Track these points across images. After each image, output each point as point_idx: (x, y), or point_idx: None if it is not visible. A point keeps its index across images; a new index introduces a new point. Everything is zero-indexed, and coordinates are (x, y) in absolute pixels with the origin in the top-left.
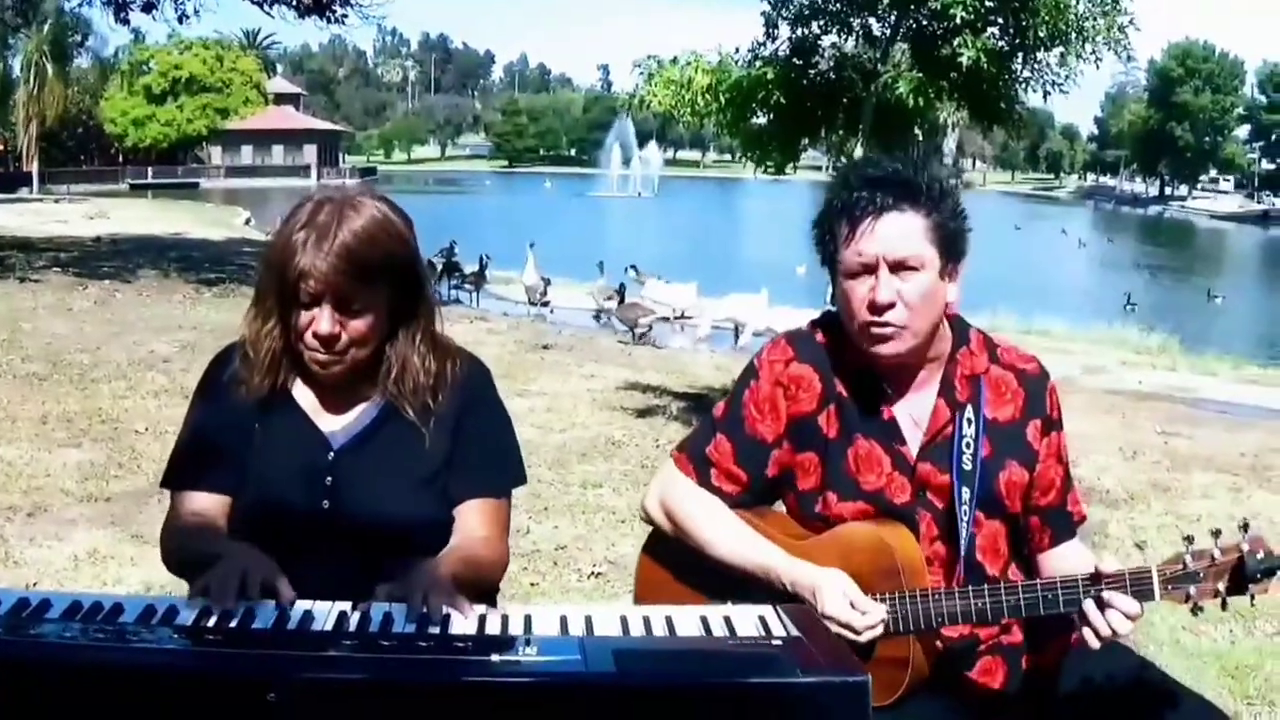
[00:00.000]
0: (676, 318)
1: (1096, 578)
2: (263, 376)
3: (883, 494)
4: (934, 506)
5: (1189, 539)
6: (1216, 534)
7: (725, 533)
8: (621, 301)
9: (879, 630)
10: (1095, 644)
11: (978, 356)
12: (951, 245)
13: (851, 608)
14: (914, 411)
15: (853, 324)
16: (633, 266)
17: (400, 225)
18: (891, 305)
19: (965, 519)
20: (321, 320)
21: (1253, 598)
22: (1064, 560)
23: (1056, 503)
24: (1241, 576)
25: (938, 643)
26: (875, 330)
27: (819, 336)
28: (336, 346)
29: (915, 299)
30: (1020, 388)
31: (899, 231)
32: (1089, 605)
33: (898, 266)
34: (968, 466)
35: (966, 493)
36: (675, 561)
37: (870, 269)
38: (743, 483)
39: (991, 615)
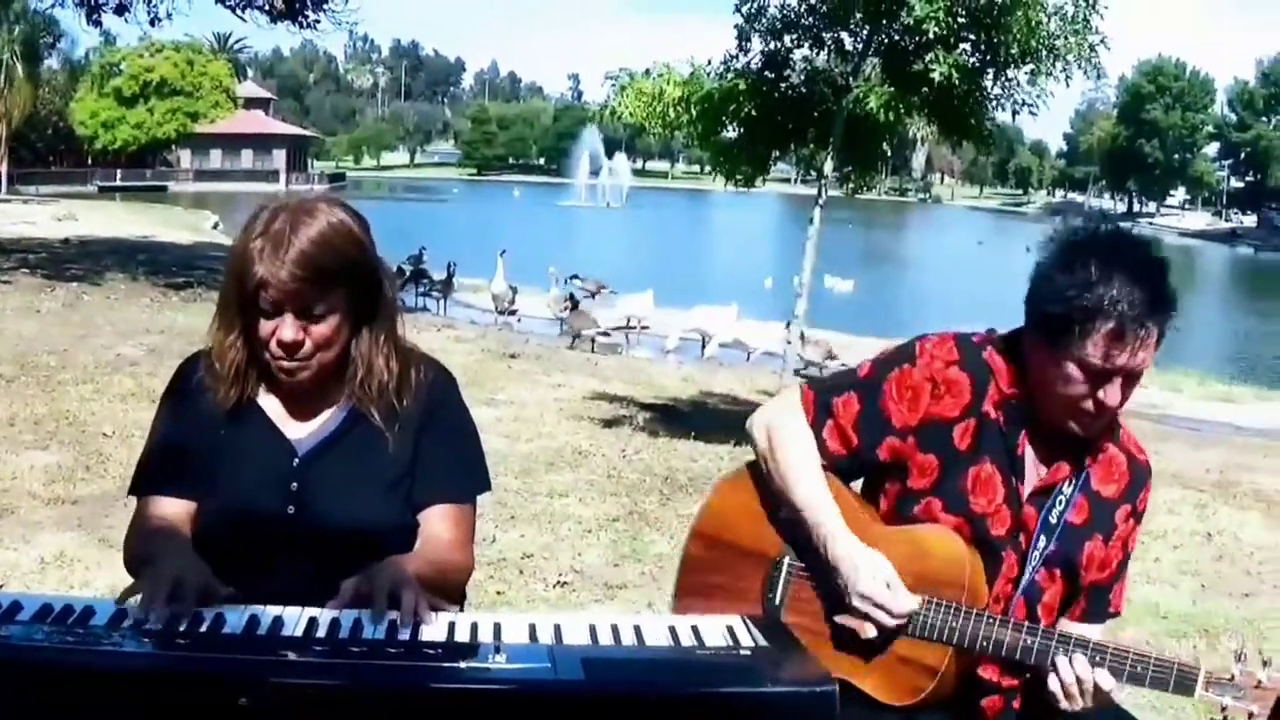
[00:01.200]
0: (633, 327)
1: (1147, 655)
2: (228, 388)
3: (985, 520)
4: (1022, 550)
5: (1240, 655)
6: (1267, 663)
7: (806, 476)
8: (574, 309)
9: (904, 619)
10: (1062, 701)
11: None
12: None
13: (887, 588)
14: (1041, 458)
15: (1058, 402)
16: (575, 276)
17: (355, 228)
18: (1111, 408)
19: (1032, 564)
20: (285, 328)
21: None
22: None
23: (1104, 582)
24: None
25: (969, 671)
26: (1085, 422)
27: (985, 353)
28: (301, 353)
29: (1129, 399)
30: (1128, 471)
31: (1147, 348)
32: (1061, 660)
33: (1130, 377)
34: (1054, 520)
35: (1043, 541)
36: (761, 493)
37: (1110, 376)
38: (851, 447)
39: (1036, 656)
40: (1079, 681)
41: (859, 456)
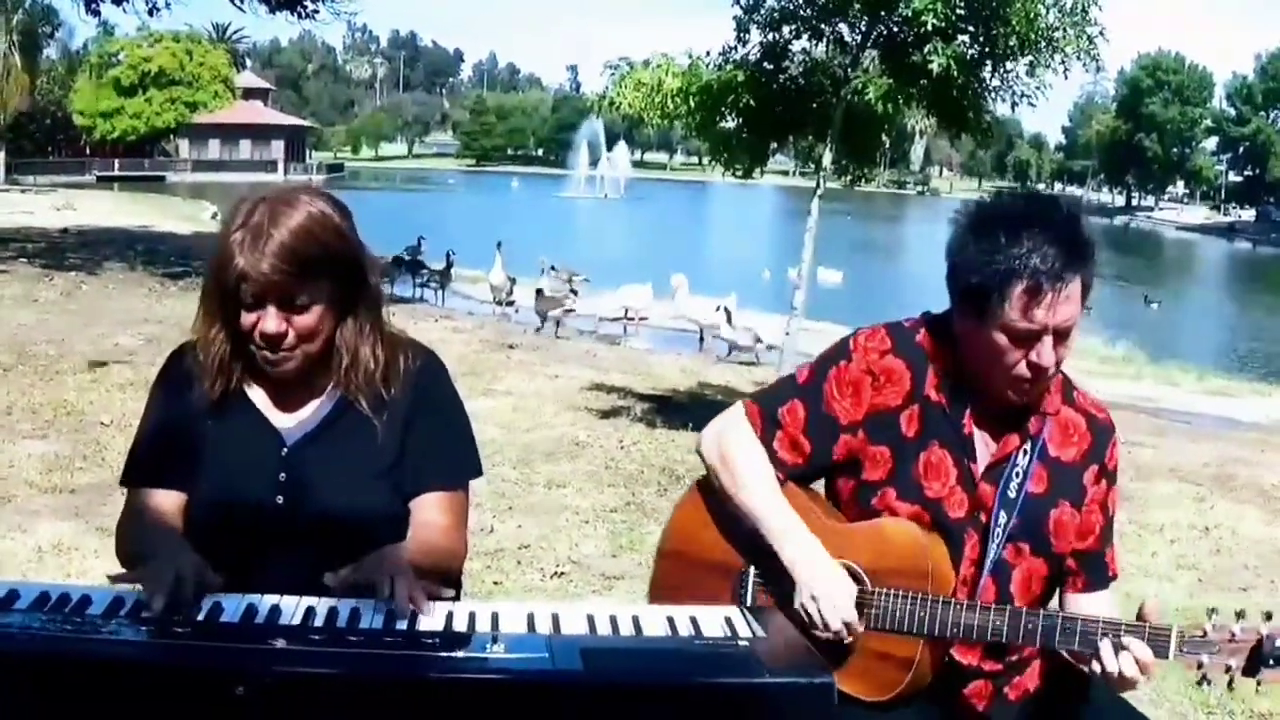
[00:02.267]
0: (630, 318)
1: (1117, 622)
2: (214, 380)
3: (941, 504)
4: (984, 529)
5: (1213, 610)
6: (1240, 614)
7: (758, 486)
8: (539, 295)
9: (841, 632)
10: (1110, 682)
11: (1052, 396)
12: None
13: (833, 608)
14: (989, 433)
15: (995, 373)
16: (551, 266)
17: (336, 218)
18: (1046, 369)
19: (996, 541)
20: (267, 320)
21: (1259, 683)
22: (1092, 607)
23: (1095, 549)
24: (1256, 659)
25: (946, 659)
26: (1026, 388)
27: (919, 336)
28: (284, 344)
29: (1065, 357)
30: (1088, 432)
31: (1070, 301)
32: (1105, 645)
33: (1060, 332)
34: (1012, 494)
35: (1004, 517)
36: (718, 508)
37: (1038, 336)
38: (805, 454)
39: (1007, 635)
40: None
41: (814, 461)
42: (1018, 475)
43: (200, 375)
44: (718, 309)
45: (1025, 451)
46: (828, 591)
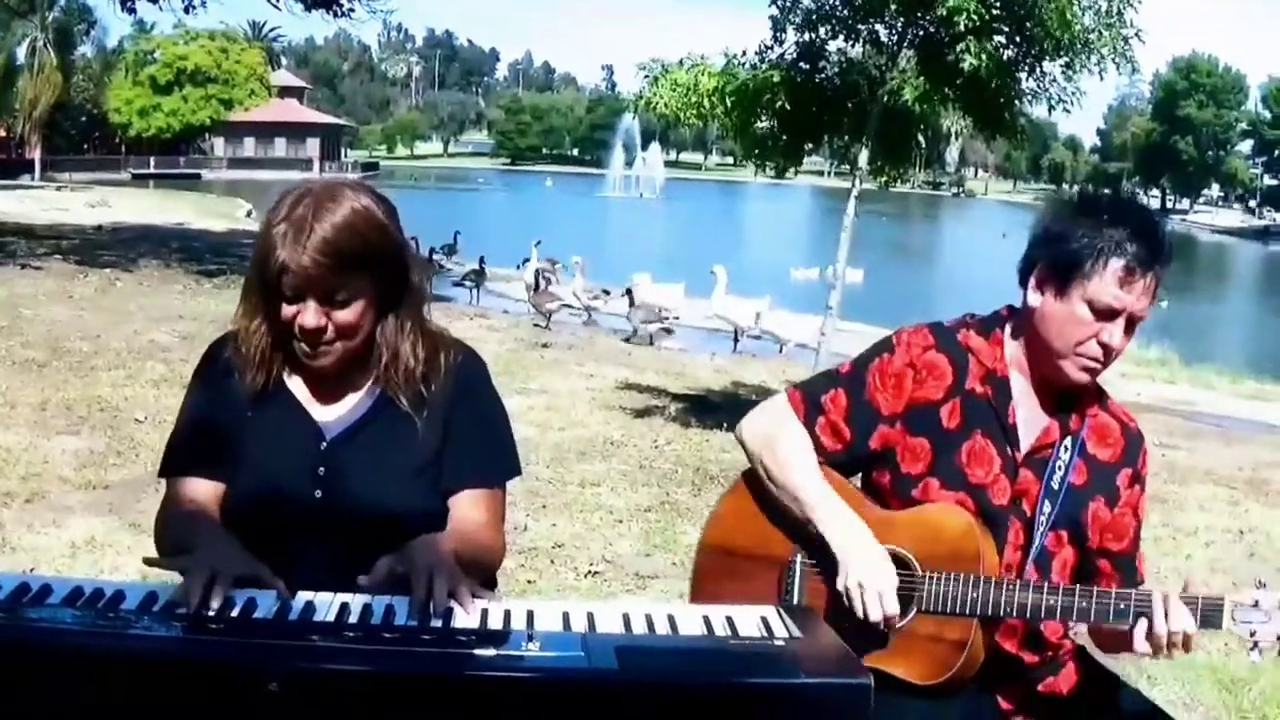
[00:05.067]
0: (664, 318)
1: (1169, 596)
2: (255, 373)
3: (985, 491)
4: (1025, 516)
5: (1260, 583)
6: None
7: (804, 470)
8: (536, 289)
9: (889, 616)
10: (1144, 648)
11: (1091, 397)
12: None
13: (875, 598)
14: (1030, 424)
15: (1061, 343)
16: (550, 259)
17: (380, 214)
18: (1114, 350)
19: (1041, 529)
20: (306, 314)
21: None
22: None
23: (1128, 551)
24: None
25: (994, 641)
26: (1089, 364)
27: (960, 335)
28: (324, 339)
29: (1123, 348)
30: (1121, 437)
31: (1149, 294)
32: (1164, 603)
33: (1132, 320)
34: (1056, 486)
35: (1048, 506)
36: (765, 499)
37: (1115, 315)
38: (845, 441)
39: (1060, 614)
40: (1170, 632)
41: (853, 449)
42: (1060, 468)
43: (241, 367)
44: (625, 293)
45: (1067, 447)
46: (872, 580)
